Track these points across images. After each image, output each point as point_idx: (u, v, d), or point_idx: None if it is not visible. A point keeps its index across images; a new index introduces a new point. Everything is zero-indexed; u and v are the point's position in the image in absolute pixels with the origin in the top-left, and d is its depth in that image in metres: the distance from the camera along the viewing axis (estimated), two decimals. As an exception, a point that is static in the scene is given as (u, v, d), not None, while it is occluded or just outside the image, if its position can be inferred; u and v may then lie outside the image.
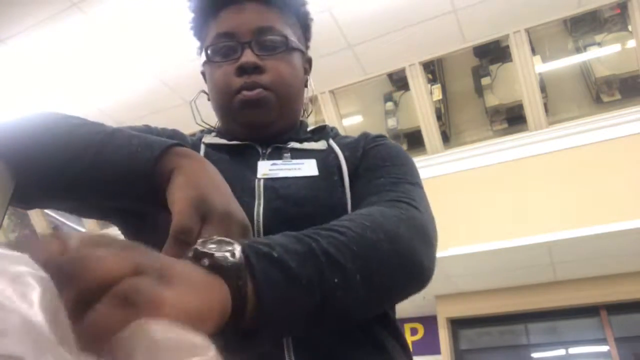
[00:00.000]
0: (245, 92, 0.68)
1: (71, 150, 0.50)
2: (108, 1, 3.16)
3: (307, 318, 0.40)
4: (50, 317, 0.20)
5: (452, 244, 3.37)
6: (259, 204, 0.60)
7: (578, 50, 4.27)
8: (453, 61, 4.57)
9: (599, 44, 4.15)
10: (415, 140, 4.43)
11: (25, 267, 0.21)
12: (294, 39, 0.73)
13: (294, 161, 0.68)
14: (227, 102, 0.69)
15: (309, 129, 0.79)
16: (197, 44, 0.79)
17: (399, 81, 4.47)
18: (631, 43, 3.85)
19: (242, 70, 0.68)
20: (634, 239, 3.31)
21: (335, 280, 0.41)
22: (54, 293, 0.21)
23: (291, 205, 0.60)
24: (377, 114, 4.86)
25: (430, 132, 4.00)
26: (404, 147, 4.64)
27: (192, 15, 0.78)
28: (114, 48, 3.56)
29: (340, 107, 4.34)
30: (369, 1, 3.31)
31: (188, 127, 0.80)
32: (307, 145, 0.74)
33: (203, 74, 0.79)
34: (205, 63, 0.74)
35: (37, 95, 3.93)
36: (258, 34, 0.70)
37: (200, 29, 0.77)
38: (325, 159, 0.69)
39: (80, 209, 0.65)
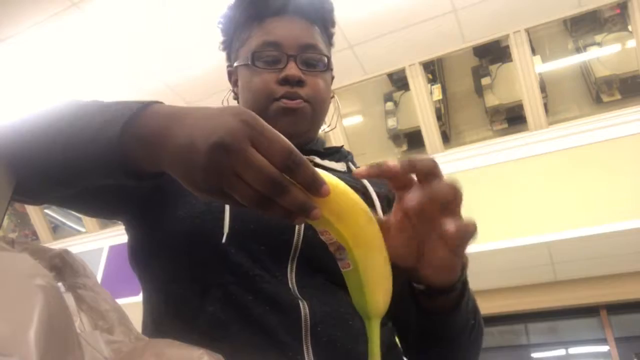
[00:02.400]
0: (285, 101, 0.72)
1: (49, 138, 0.49)
2: (108, 1, 3.16)
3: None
4: (50, 324, 0.19)
5: (452, 244, 3.36)
6: None
7: (578, 50, 4.26)
8: (453, 61, 4.56)
9: (599, 44, 4.14)
10: (415, 140, 4.42)
11: (33, 273, 0.21)
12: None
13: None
14: (264, 107, 0.72)
15: (325, 146, 0.83)
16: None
17: (399, 81, 4.47)
18: (631, 43, 3.85)
19: (286, 81, 0.72)
20: (634, 239, 3.30)
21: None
22: (60, 299, 0.21)
23: None
24: (377, 114, 4.86)
25: (430, 132, 3.99)
26: (404, 147, 4.64)
27: (228, 13, 0.81)
28: (114, 48, 3.56)
29: (340, 107, 4.33)
30: (369, 1, 3.31)
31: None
32: (327, 163, 0.78)
33: (230, 73, 0.81)
34: (241, 65, 0.77)
35: (37, 95, 3.93)
36: (303, 50, 0.75)
37: (239, 29, 0.80)
38: (353, 185, 0.72)
39: (83, 204, 0.66)
